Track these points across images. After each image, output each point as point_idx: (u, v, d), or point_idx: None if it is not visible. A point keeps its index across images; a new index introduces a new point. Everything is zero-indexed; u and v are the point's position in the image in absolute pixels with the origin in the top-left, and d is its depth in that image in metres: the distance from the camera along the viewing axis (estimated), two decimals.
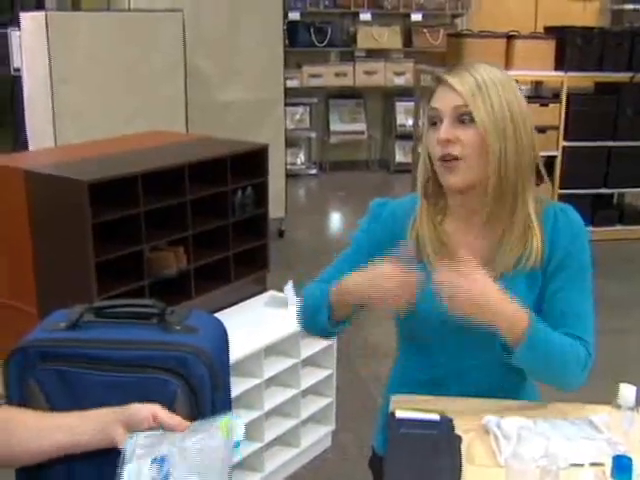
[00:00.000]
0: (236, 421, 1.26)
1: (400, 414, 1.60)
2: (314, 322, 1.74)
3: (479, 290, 1.52)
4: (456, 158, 1.60)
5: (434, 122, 1.63)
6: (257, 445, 3.16)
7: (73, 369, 1.39)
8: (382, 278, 1.55)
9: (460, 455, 1.49)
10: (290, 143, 7.51)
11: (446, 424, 1.58)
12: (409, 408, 1.62)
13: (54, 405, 1.39)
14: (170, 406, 1.37)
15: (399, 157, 8.78)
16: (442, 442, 1.52)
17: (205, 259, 3.42)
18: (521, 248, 1.65)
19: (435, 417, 1.59)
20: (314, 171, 8.79)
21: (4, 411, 1.32)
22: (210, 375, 1.38)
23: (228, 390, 1.49)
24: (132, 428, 1.26)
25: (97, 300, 2.77)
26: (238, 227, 3.53)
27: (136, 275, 3.14)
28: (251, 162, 3.67)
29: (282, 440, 3.39)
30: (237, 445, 1.24)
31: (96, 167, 3.21)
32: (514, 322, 1.55)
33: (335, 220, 7.77)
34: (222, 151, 3.54)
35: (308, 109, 8.71)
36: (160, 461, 1.20)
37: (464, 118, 1.59)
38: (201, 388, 1.38)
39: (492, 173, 1.59)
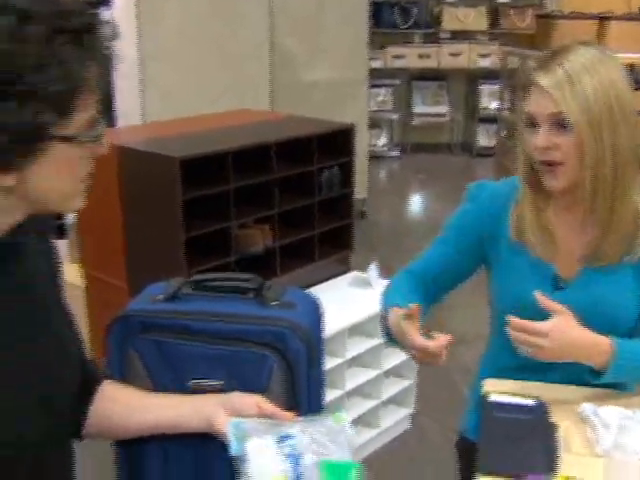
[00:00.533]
0: (343, 415, 1.25)
1: (494, 397, 1.58)
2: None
3: (558, 343, 1.51)
4: (558, 163, 1.57)
5: (531, 122, 1.60)
6: None
7: (171, 340, 1.41)
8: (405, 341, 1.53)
9: (556, 442, 1.46)
10: (372, 124, 7.48)
11: (541, 410, 1.55)
12: (503, 392, 1.60)
13: (152, 375, 1.42)
14: (266, 381, 1.38)
15: (482, 141, 8.65)
16: (537, 428, 1.50)
17: (291, 237, 3.43)
18: (628, 240, 1.61)
19: (530, 402, 1.57)
20: (395, 153, 8.73)
21: (108, 387, 1.34)
22: (306, 350, 1.38)
23: (322, 367, 1.50)
24: (234, 415, 1.27)
25: (186, 275, 2.81)
26: (323, 206, 3.53)
27: (223, 251, 3.17)
28: (337, 142, 3.66)
29: (362, 420, 3.40)
30: None
31: (186, 144, 3.25)
32: (598, 353, 1.55)
33: (416, 203, 7.72)
34: (309, 130, 3.54)
35: (391, 90, 8.65)
36: (285, 438, 1.20)
37: (561, 123, 1.55)
38: (297, 363, 1.38)
39: (587, 168, 1.55)
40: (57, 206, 1.03)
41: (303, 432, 1.23)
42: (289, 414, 1.26)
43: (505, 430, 1.50)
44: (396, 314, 1.59)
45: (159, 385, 1.41)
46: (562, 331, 1.52)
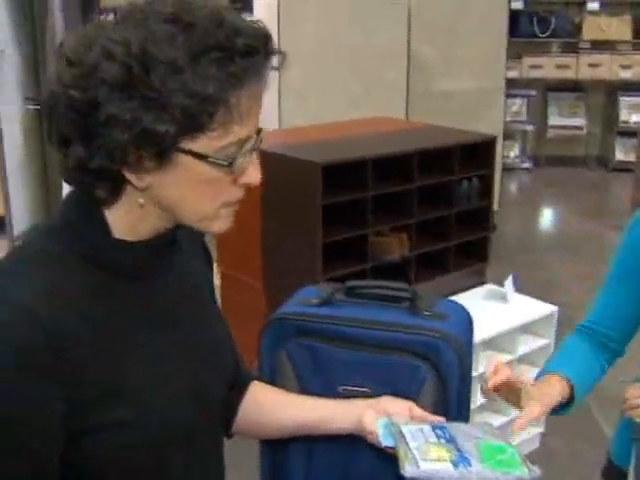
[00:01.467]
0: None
1: None
2: None
3: None
4: None
5: None
6: None
7: (325, 345, 1.41)
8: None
9: None
10: (505, 135, 7.35)
11: None
12: None
13: (301, 380, 1.43)
14: (417, 392, 1.36)
15: (619, 155, 8.34)
16: None
17: (427, 247, 3.40)
18: None
19: None
20: (527, 165, 8.54)
21: (257, 388, 1.36)
22: (459, 363, 1.36)
23: (471, 380, 1.47)
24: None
25: (321, 280, 2.83)
26: (460, 218, 3.49)
27: (359, 258, 3.18)
28: (477, 153, 3.61)
29: None
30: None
31: (327, 150, 3.28)
32: None
33: (548, 217, 7.53)
34: (450, 140, 3.50)
35: (525, 101, 8.47)
36: (440, 427, 1.20)
37: None
38: (449, 376, 1.36)
39: None
40: (192, 223, 1.02)
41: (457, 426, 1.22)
42: (441, 419, 1.25)
43: None
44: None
45: (307, 390, 1.42)
46: None
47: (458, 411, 1.39)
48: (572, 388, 1.53)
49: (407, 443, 1.14)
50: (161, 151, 0.91)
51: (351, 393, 1.41)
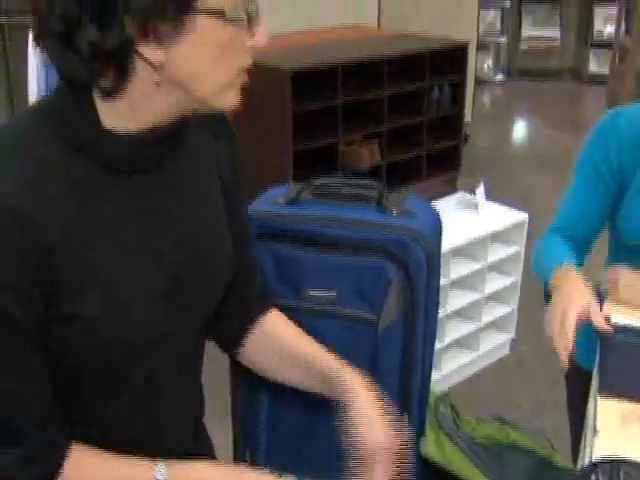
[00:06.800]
0: None
1: (616, 318, 1.53)
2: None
3: None
4: None
5: None
6: (437, 346, 3.18)
7: (288, 248, 1.38)
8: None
9: None
10: (478, 47, 7.24)
11: None
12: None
13: (265, 286, 1.41)
14: (384, 293, 1.35)
15: (593, 67, 8.28)
16: None
17: (398, 155, 3.37)
18: None
19: None
20: (501, 77, 8.46)
21: (277, 319, 1.28)
22: (427, 260, 1.35)
23: (439, 278, 1.47)
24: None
25: None
26: (432, 126, 3.45)
27: (329, 167, 3.15)
28: (449, 60, 3.55)
29: (461, 343, 3.39)
30: None
31: (296, 57, 3.20)
32: None
33: (521, 129, 7.50)
34: (421, 47, 3.44)
35: (500, 12, 8.33)
36: None
37: None
38: (418, 273, 1.34)
39: None
40: (209, 97, 0.97)
41: None
42: None
43: (627, 356, 1.45)
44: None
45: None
46: None
47: (425, 314, 1.38)
48: None
49: None
50: (178, 10, 0.88)
51: (317, 299, 1.38)
